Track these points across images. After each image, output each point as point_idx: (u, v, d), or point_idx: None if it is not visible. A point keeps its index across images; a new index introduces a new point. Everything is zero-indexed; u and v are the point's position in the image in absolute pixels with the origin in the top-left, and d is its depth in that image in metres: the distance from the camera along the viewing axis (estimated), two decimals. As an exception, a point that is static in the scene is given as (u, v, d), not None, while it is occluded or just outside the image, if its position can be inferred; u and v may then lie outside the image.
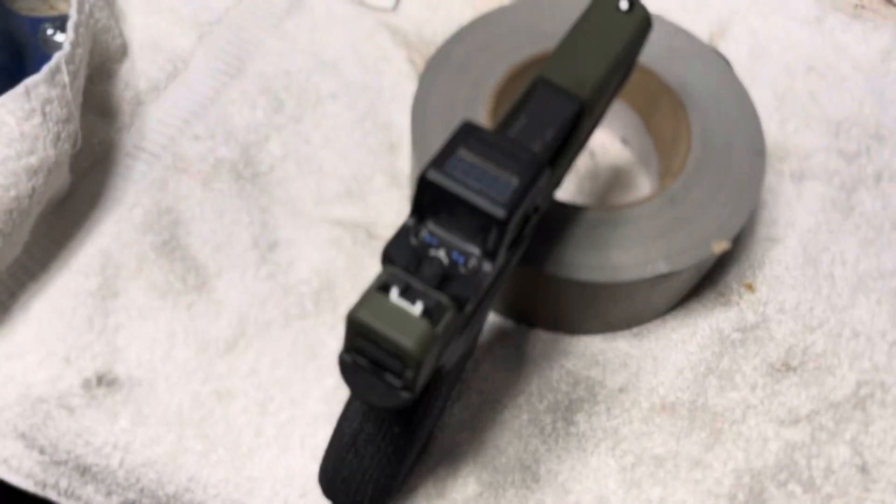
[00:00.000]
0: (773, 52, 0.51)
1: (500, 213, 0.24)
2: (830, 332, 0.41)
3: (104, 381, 0.37)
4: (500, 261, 0.25)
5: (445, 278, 0.24)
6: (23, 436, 0.36)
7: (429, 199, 0.25)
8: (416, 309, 0.23)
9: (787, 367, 0.40)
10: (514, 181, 0.24)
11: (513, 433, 0.38)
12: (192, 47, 0.48)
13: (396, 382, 0.24)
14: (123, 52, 0.46)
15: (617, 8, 0.32)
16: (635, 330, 0.41)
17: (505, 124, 0.28)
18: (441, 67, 0.41)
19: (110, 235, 0.41)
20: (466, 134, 0.25)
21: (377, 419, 0.30)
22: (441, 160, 0.24)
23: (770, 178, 0.46)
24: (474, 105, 0.40)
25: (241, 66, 0.48)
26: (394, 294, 0.24)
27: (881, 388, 0.40)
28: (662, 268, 0.36)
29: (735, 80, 0.42)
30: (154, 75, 0.46)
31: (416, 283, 0.24)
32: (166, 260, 0.40)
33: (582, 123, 0.30)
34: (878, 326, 0.42)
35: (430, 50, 0.49)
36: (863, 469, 0.38)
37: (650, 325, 0.41)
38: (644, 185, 0.46)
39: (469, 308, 0.25)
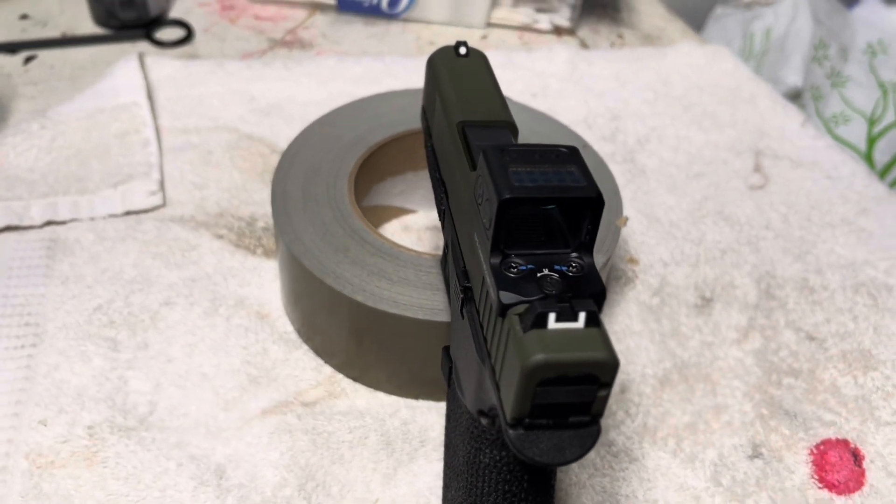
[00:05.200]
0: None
1: (593, 193, 0.23)
2: (708, 260, 0.46)
3: None
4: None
5: (570, 287, 0.23)
6: None
7: (509, 223, 0.23)
8: (580, 322, 0.22)
9: (706, 300, 0.44)
10: (574, 168, 0.24)
11: (579, 486, 0.35)
12: (-39, 342, 0.38)
13: (584, 419, 0.22)
14: None
15: (458, 55, 0.34)
16: (585, 343, 0.42)
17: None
18: (287, 206, 0.38)
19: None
20: (500, 154, 0.24)
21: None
22: (504, 183, 0.23)
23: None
24: (345, 217, 0.38)
25: (36, 331, 0.39)
26: (552, 321, 0.22)
27: (770, 276, 0.46)
28: (600, 259, 0.37)
29: (524, 106, 0.46)
30: (-61, 389, 0.36)
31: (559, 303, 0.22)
32: (108, 564, 0.31)
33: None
34: (729, 238, 0.48)
35: (228, 218, 0.46)
36: (810, 337, 0.43)
37: (591, 333, 0.42)
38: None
39: (603, 303, 0.23)
